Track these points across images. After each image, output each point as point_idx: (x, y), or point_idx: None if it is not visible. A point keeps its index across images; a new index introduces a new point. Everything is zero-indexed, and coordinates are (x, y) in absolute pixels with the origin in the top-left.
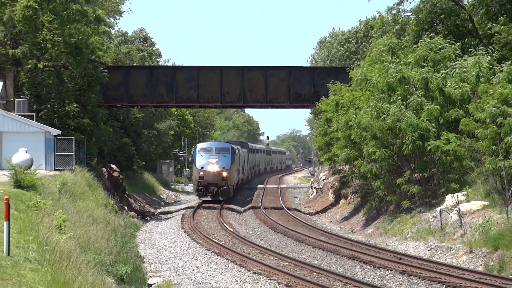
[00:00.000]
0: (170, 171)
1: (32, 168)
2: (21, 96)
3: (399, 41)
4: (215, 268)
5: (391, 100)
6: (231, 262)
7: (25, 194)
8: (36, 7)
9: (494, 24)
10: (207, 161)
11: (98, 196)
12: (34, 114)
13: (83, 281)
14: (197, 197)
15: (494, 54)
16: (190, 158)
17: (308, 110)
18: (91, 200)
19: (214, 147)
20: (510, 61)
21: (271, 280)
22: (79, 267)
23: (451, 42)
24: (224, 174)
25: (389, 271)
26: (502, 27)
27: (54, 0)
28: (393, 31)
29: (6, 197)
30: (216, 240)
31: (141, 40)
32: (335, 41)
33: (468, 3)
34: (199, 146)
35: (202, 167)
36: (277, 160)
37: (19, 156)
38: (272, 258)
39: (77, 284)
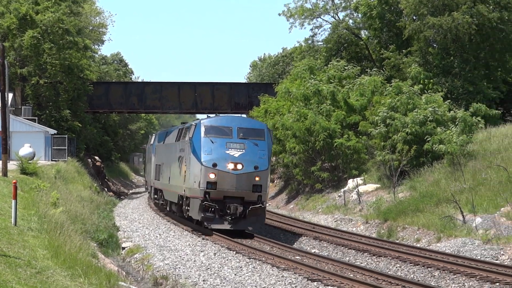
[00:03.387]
0: (140, 161)
1: (34, 159)
2: (27, 104)
3: (315, 62)
4: (173, 235)
5: (309, 107)
6: (185, 230)
7: (29, 179)
8: (40, 37)
9: (385, 51)
10: (224, 153)
11: (84, 180)
12: (36, 118)
13: (72, 245)
14: (199, 223)
15: (384, 74)
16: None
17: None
18: (79, 183)
19: (235, 126)
20: (397, 79)
21: (216, 244)
22: (69, 234)
23: (352, 65)
24: (257, 178)
25: (305, 237)
26: (391, 53)
27: (53, 32)
28: (310, 56)
29: (14, 181)
30: (173, 214)
31: (118, 62)
32: (264, 64)
33: (365, 35)
34: (206, 123)
35: (214, 165)
36: None
37: (25, 150)
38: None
39: (67, 247)
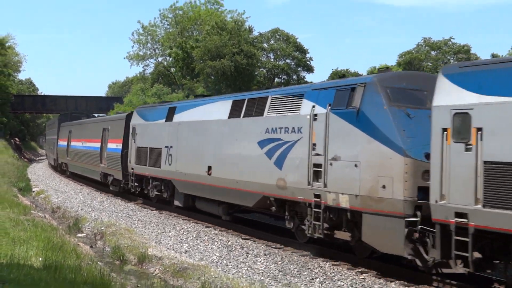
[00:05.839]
0: (43, 141)
1: None
2: None
3: (144, 85)
4: (64, 184)
5: None
6: (72, 181)
7: None
8: None
9: (184, 80)
10: None
11: (9, 152)
12: None
13: (1, 190)
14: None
15: (184, 93)
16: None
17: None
18: (6, 154)
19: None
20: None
21: (88, 188)
22: (0, 184)
23: (166, 87)
24: None
25: None
26: (187, 81)
27: None
28: (145, 82)
29: None
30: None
31: (29, 83)
32: (116, 86)
33: (173, 70)
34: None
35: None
36: None
37: None
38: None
39: None
